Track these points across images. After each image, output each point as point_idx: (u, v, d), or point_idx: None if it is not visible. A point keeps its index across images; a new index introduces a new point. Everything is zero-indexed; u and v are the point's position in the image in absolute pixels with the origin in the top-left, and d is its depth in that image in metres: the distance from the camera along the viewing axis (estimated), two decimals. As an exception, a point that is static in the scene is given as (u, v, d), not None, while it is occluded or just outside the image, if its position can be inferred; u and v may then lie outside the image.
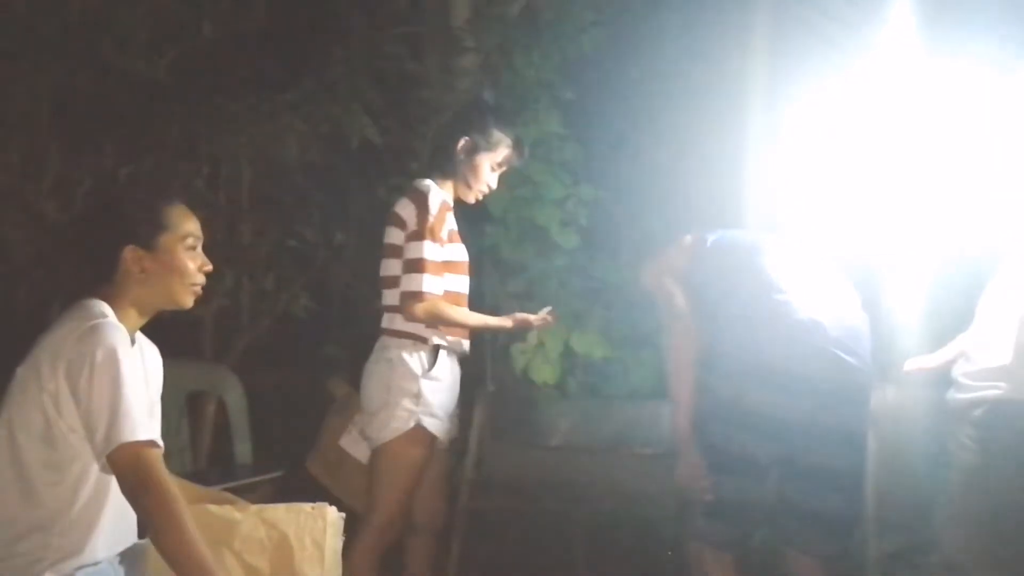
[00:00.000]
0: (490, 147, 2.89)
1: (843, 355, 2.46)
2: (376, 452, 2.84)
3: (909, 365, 2.89)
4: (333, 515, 1.95)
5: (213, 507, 1.96)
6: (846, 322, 2.51)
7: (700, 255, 2.66)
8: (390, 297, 2.85)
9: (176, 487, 1.87)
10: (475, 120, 2.90)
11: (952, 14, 3.63)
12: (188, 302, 2.09)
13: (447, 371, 2.86)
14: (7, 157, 3.94)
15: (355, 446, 3.01)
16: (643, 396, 3.91)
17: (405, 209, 2.81)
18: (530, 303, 4.57)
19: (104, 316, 1.95)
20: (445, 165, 2.89)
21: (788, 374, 2.41)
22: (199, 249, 2.09)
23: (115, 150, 4.14)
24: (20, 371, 1.92)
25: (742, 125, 5.16)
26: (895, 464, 2.81)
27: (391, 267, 2.84)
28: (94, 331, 1.89)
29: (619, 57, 5.34)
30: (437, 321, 2.78)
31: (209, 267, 2.11)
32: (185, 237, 2.06)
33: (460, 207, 3.00)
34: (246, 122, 4.27)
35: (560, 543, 4.34)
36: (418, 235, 2.75)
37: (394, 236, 2.83)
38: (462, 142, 2.87)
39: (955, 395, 2.47)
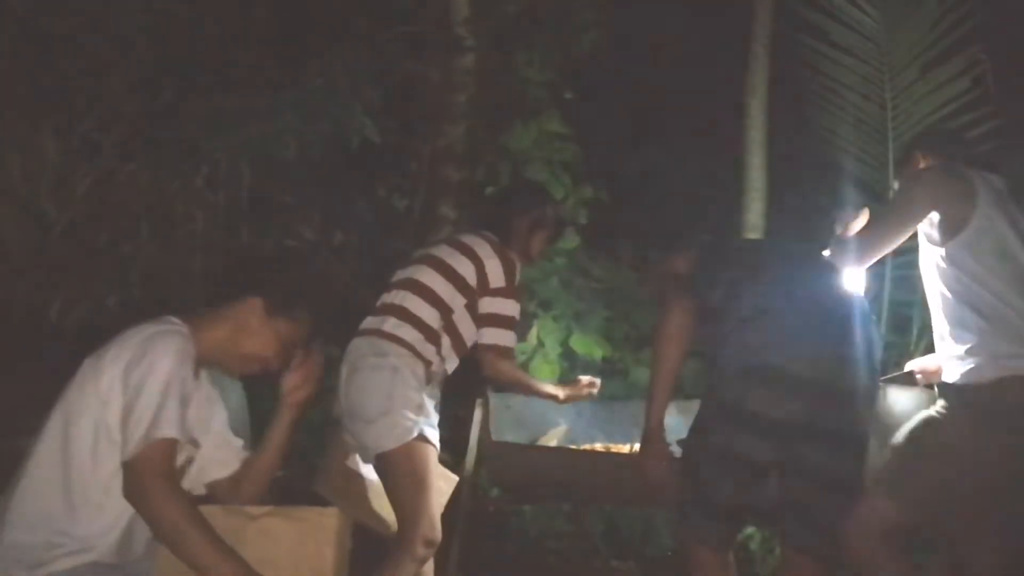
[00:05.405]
0: (546, 225, 3.15)
1: (847, 357, 2.46)
2: (382, 463, 2.82)
3: (911, 366, 2.91)
4: (341, 519, 1.95)
5: (220, 509, 1.95)
6: (850, 324, 2.51)
7: (703, 260, 2.66)
8: (418, 307, 2.88)
9: (185, 496, 1.89)
10: (534, 200, 3.18)
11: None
12: (234, 374, 2.19)
13: (432, 388, 2.93)
14: (7, 157, 3.93)
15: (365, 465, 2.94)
16: (643, 396, 3.89)
17: (490, 260, 2.93)
18: (530, 302, 4.58)
19: (180, 329, 1.99)
20: (505, 236, 3.06)
21: (791, 376, 2.41)
22: (289, 356, 2.13)
23: (115, 150, 4.13)
24: (87, 362, 1.95)
25: (742, 125, 5.17)
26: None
27: (438, 283, 2.90)
28: (162, 335, 1.95)
29: (619, 57, 5.35)
30: (510, 378, 2.99)
31: (272, 368, 2.14)
32: (292, 341, 2.11)
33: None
34: (246, 121, 4.26)
35: (560, 543, 4.34)
36: (509, 293, 2.93)
37: (463, 267, 2.92)
38: (525, 220, 3.10)
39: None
